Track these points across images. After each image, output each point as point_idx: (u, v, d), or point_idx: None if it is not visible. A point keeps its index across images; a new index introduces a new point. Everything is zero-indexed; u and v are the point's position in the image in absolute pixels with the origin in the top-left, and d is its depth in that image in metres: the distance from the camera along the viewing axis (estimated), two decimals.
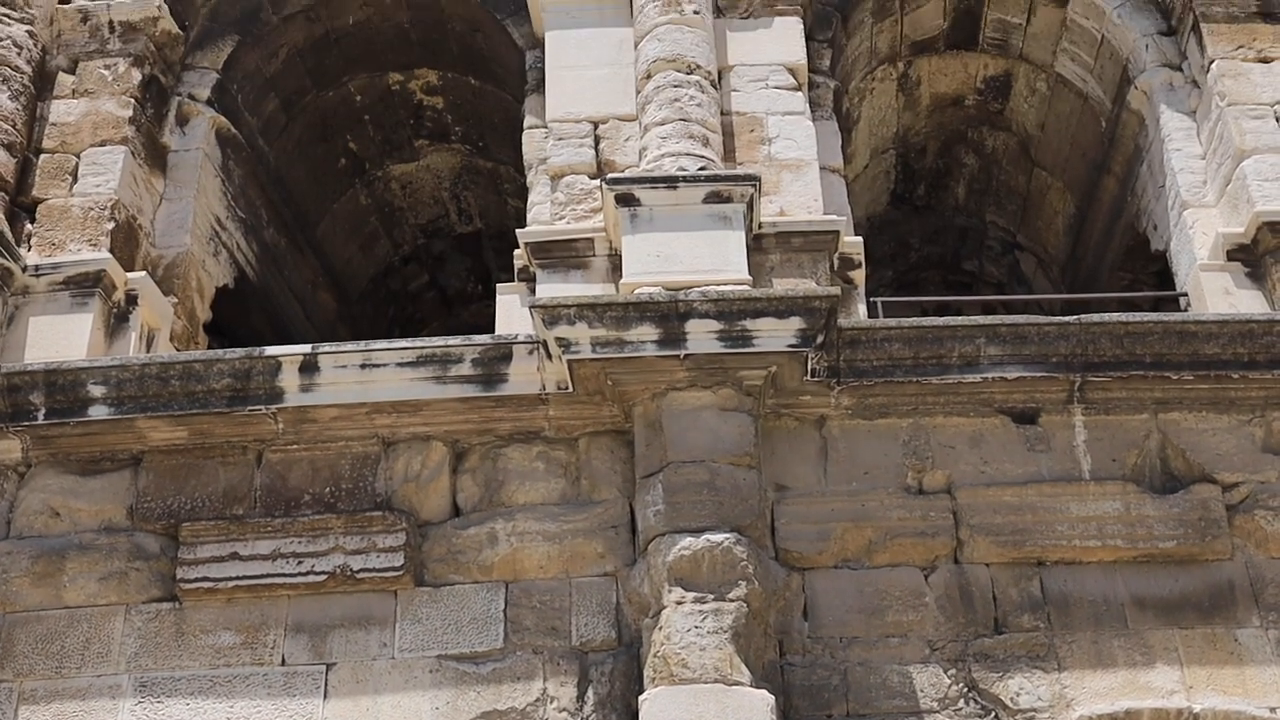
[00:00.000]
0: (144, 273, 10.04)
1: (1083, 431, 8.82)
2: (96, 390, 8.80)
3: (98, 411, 8.81)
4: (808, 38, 10.73)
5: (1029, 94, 12.42)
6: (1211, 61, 10.41)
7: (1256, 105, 10.16)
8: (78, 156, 10.28)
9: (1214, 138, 10.29)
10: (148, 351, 9.78)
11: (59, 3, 10.92)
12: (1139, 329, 8.74)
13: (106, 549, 8.69)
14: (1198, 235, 10.09)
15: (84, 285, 9.57)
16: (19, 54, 10.44)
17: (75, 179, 10.19)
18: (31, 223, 10.03)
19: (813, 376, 8.73)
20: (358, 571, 8.52)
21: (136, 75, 10.61)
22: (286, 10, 11.66)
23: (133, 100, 10.51)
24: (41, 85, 10.59)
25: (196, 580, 8.54)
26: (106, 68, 10.64)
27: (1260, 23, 10.56)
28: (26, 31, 10.55)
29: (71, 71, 10.69)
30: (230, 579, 8.53)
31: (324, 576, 8.51)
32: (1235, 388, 8.77)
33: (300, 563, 8.54)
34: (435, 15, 11.87)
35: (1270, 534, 8.55)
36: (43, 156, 10.32)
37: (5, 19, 10.53)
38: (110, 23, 10.79)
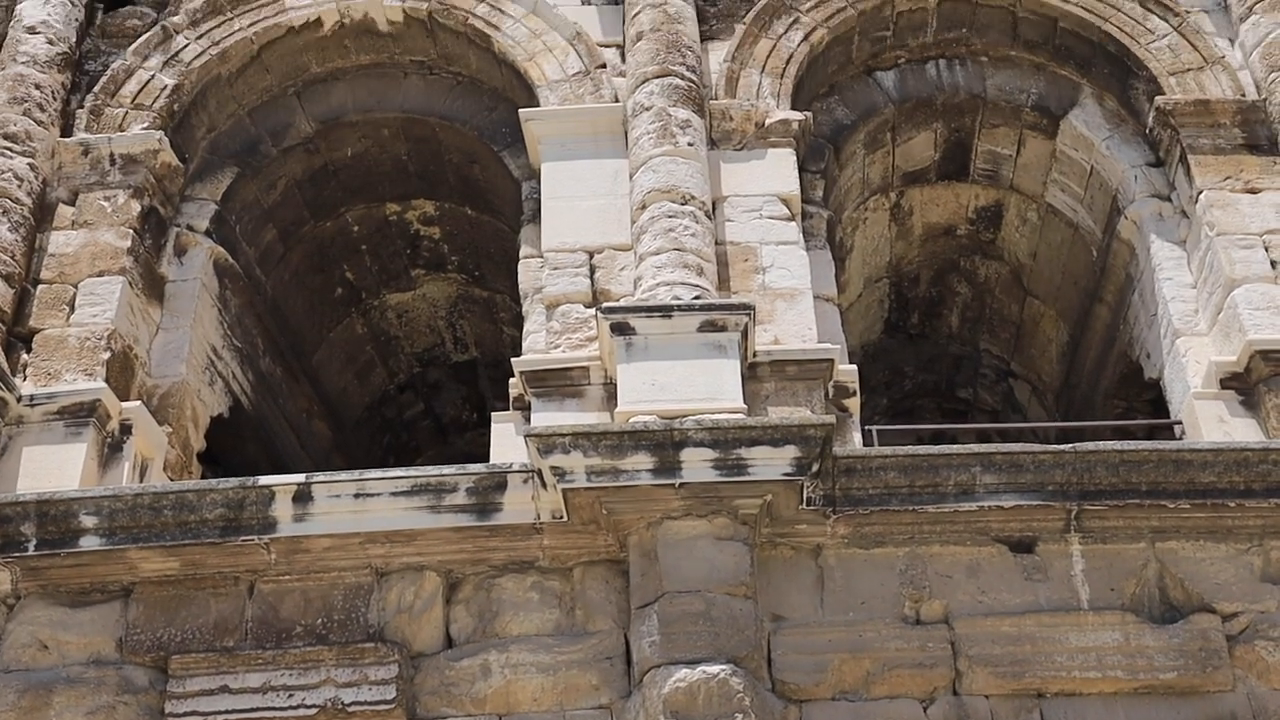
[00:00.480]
0: (139, 402, 10.04)
1: (1080, 560, 8.77)
2: (88, 520, 8.75)
3: (89, 542, 8.75)
4: (801, 169, 10.86)
5: (1020, 224, 12.54)
6: (1200, 192, 10.54)
7: (1245, 235, 10.27)
8: (75, 287, 10.34)
9: (1204, 267, 10.37)
10: (141, 481, 9.74)
11: (61, 136, 11.06)
12: (1135, 457, 8.73)
13: (95, 682, 8.57)
14: (1191, 363, 10.14)
15: (78, 415, 9.57)
16: (20, 186, 10.54)
17: (72, 309, 10.23)
18: (28, 352, 10.05)
19: (808, 505, 8.70)
20: (349, 705, 8.40)
21: (136, 206, 10.70)
22: (286, 143, 11.83)
23: (131, 231, 10.59)
24: (41, 217, 10.68)
25: (186, 714, 8.42)
26: (106, 199, 10.74)
27: (1247, 154, 10.70)
28: (28, 164, 10.67)
29: (71, 203, 10.79)
30: (220, 713, 8.40)
31: (315, 710, 8.39)
32: (1232, 516, 8.74)
33: (291, 695, 8.43)
34: (433, 147, 12.03)
35: (1271, 665, 8.46)
36: (41, 287, 10.37)
37: (7, 152, 10.64)
38: (111, 155, 10.91)
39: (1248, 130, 10.81)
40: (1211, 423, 9.67)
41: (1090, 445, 8.80)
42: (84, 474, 9.38)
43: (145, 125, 11.10)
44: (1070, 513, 8.74)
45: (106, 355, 9.95)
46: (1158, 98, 11.01)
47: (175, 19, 11.75)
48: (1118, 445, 8.84)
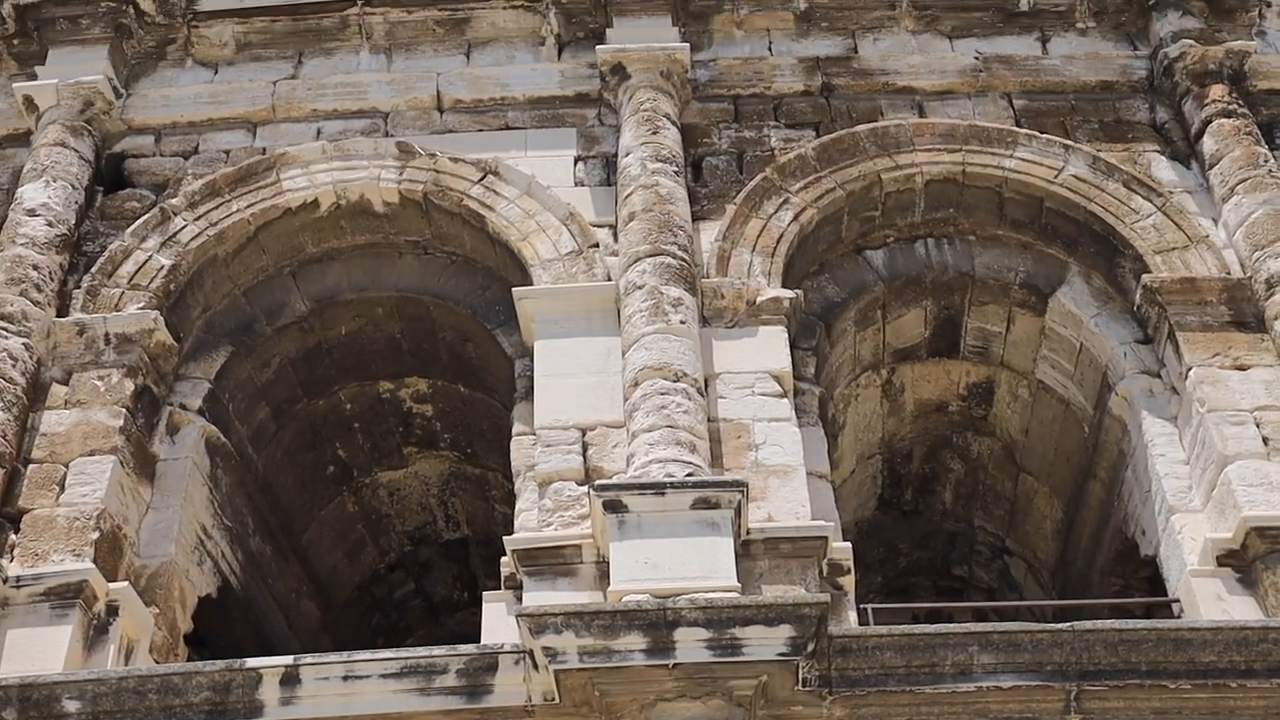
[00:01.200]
0: (126, 583, 9.93)
1: None
2: (71, 705, 8.60)
3: None
4: (792, 346, 10.93)
5: (1012, 400, 12.59)
6: (1189, 369, 10.60)
7: (1236, 411, 10.30)
8: (66, 466, 10.29)
9: (1196, 443, 10.39)
10: (127, 663, 9.59)
11: (57, 316, 11.12)
12: (1134, 636, 8.64)
13: None
14: (1186, 540, 10.09)
15: (65, 596, 9.44)
16: (14, 366, 10.57)
17: (62, 489, 10.16)
18: (16, 533, 9.96)
19: (804, 686, 8.58)
20: None
21: (129, 386, 10.72)
22: (281, 322, 11.92)
23: (124, 410, 10.59)
24: (35, 396, 10.68)
25: None
26: (100, 378, 10.76)
27: (1234, 331, 10.80)
28: (23, 344, 10.71)
29: (65, 382, 10.79)
30: None
31: None
32: (1234, 697, 8.61)
33: None
34: (427, 326, 12.11)
35: None
36: (31, 467, 10.33)
37: (3, 332, 10.69)
38: (106, 335, 10.96)
39: (1234, 308, 10.91)
40: (1210, 601, 9.59)
41: (1089, 624, 8.71)
42: (69, 657, 9.23)
43: (141, 305, 11.18)
44: (1070, 693, 8.61)
45: (95, 535, 9.87)
46: (1144, 276, 11.14)
47: (174, 201, 11.92)
48: (1116, 624, 8.75)
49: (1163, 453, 10.65)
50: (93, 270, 11.48)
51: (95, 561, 9.72)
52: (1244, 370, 10.58)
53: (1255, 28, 13.03)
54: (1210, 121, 12.07)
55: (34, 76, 12.74)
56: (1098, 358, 11.49)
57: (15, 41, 13.05)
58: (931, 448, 13.32)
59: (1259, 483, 9.88)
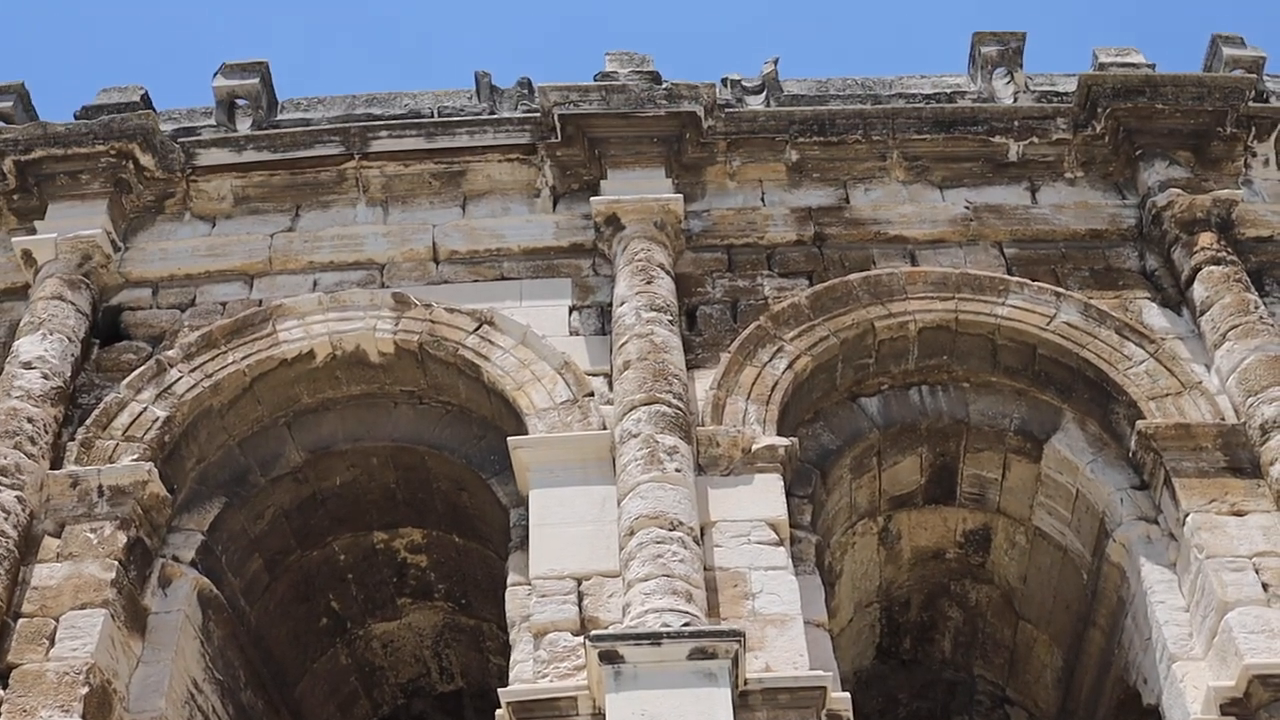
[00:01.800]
0: None
1: None
2: None
3: None
4: (788, 493, 10.91)
5: (1009, 547, 12.53)
6: (1187, 515, 10.58)
7: (1235, 558, 10.26)
8: (56, 620, 10.18)
9: (1196, 590, 10.32)
10: None
11: (51, 468, 11.09)
12: None
13: None
14: (1189, 689, 9.99)
15: None
16: (6, 519, 10.51)
17: (52, 643, 10.04)
18: (4, 688, 9.81)
19: None
20: None
21: (122, 538, 10.66)
22: (275, 472, 11.91)
23: (116, 563, 10.51)
24: (26, 549, 10.61)
25: None
26: (92, 531, 10.69)
27: (1230, 477, 10.80)
28: (16, 497, 10.67)
29: (57, 535, 10.73)
30: None
31: None
32: None
33: None
34: (422, 475, 12.09)
35: None
36: (21, 620, 10.21)
37: None
38: (100, 487, 10.92)
39: (1229, 453, 10.92)
40: None
41: None
42: None
43: (135, 457, 11.16)
44: None
45: (84, 690, 9.73)
46: (1139, 422, 11.16)
47: (170, 353, 11.97)
48: None
49: (1162, 600, 10.58)
50: (87, 422, 11.48)
51: (84, 718, 9.56)
52: (1241, 516, 10.56)
53: (1241, 177, 13.25)
54: (1200, 269, 12.18)
55: (33, 231, 12.85)
56: (1094, 504, 11.46)
57: (15, 196, 13.19)
58: (929, 595, 13.23)
59: (1260, 630, 9.81)
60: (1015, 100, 14.03)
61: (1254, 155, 13.40)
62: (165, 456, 11.37)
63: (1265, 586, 10.10)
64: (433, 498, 12.22)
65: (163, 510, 11.14)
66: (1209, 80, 13.48)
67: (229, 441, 11.91)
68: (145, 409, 11.55)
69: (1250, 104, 13.37)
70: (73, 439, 11.39)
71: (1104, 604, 11.52)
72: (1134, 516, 11.06)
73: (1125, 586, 11.14)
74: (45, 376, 11.56)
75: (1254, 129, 13.37)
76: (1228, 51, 14.22)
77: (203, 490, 11.65)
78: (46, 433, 11.26)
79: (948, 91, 14.40)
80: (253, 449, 11.95)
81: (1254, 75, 13.84)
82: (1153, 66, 14.11)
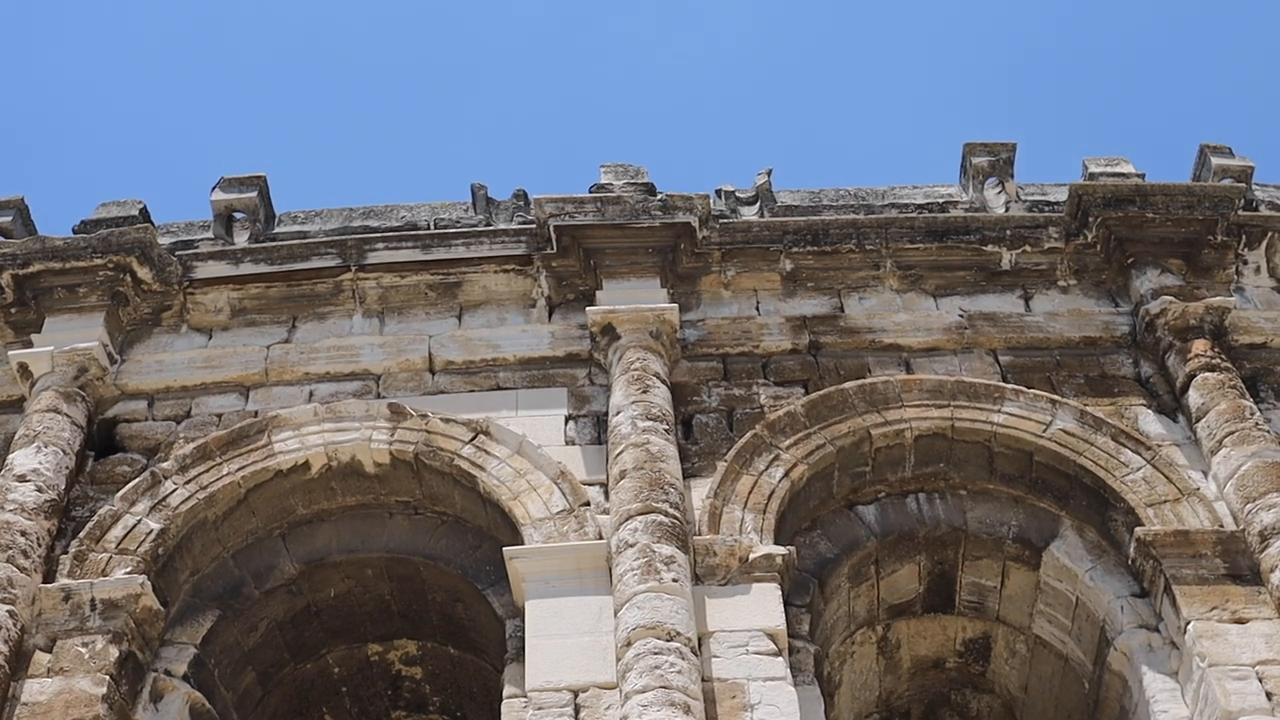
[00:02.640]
0: None
1: None
2: None
3: None
4: (786, 603, 10.83)
5: (1009, 655, 12.43)
6: (1188, 623, 10.51)
7: (1238, 666, 10.18)
8: None
9: (1199, 699, 10.23)
10: None
11: (43, 581, 11.00)
12: None
13: None
14: None
15: None
16: None
17: None
18: None
19: None
20: None
21: (114, 652, 10.55)
22: (269, 584, 11.82)
23: (108, 678, 10.39)
24: (16, 664, 10.49)
25: None
26: (84, 645, 10.59)
27: (1230, 584, 10.75)
28: (7, 612, 10.56)
29: (49, 650, 10.61)
30: None
31: None
32: None
33: None
34: (416, 586, 12.01)
35: None
36: None
37: None
38: (92, 600, 10.82)
39: (1229, 560, 10.88)
40: None
41: None
42: None
43: (128, 570, 11.08)
44: None
45: None
46: (1138, 529, 11.13)
47: (165, 465, 11.94)
48: None
49: (1165, 709, 10.49)
50: (81, 535, 11.41)
51: None
52: (1243, 624, 10.49)
53: (1233, 284, 13.36)
54: (1194, 376, 12.22)
55: (30, 344, 12.87)
56: (1094, 612, 11.39)
57: (13, 310, 13.23)
58: (930, 705, 13.08)
59: None
60: (1007, 209, 14.18)
61: (1245, 263, 13.51)
62: (159, 569, 11.29)
63: (1269, 695, 10.02)
64: (428, 609, 12.13)
65: (155, 623, 11.05)
66: (1198, 189, 13.63)
67: (223, 553, 11.85)
68: (139, 521, 11.49)
69: (1240, 212, 13.51)
70: (66, 552, 11.32)
71: (1106, 713, 11.41)
72: (1135, 624, 10.99)
73: (1128, 695, 11.03)
74: (39, 490, 11.52)
75: (1244, 237, 13.50)
76: (1216, 161, 14.39)
77: (196, 603, 11.56)
78: (39, 546, 11.19)
79: (940, 201, 14.55)
80: (247, 561, 11.88)
81: (1242, 184, 13.99)
82: (1142, 176, 14.28)
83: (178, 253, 13.54)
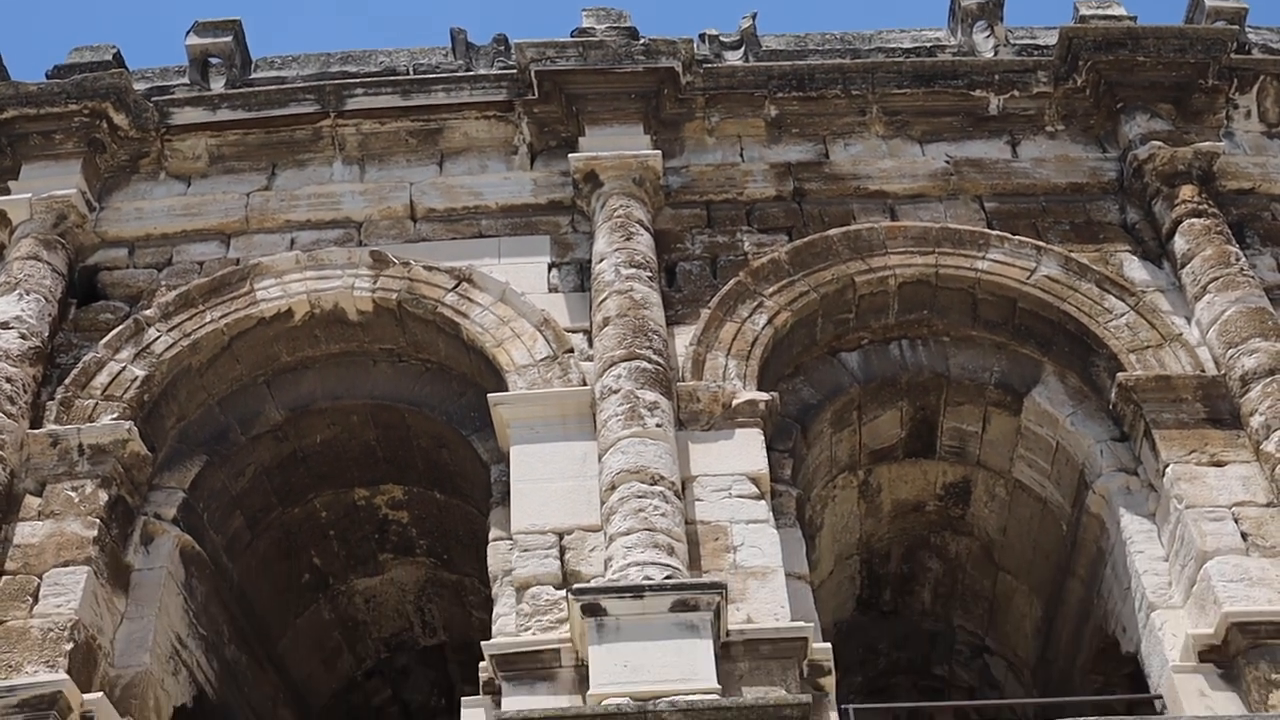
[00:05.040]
0: (101, 694, 9.75)
1: None
2: None
3: None
4: (769, 448, 10.91)
5: (989, 499, 12.58)
6: (1166, 466, 10.62)
7: (1214, 508, 10.30)
8: (40, 577, 10.17)
9: (1175, 540, 10.38)
10: None
11: (30, 428, 11.04)
12: None
13: None
14: (1167, 637, 10.05)
15: (39, 708, 9.24)
16: None
17: (36, 600, 10.03)
18: None
19: None
20: None
21: (103, 496, 10.63)
22: (255, 430, 11.88)
23: (98, 521, 10.49)
24: (8, 508, 10.59)
25: None
26: (74, 489, 10.67)
27: (1210, 428, 10.83)
28: None
29: (38, 494, 10.70)
30: None
31: None
32: None
33: None
34: (402, 433, 12.08)
35: None
36: (4, 579, 10.20)
37: None
38: (80, 446, 10.88)
39: (1209, 405, 10.96)
40: (1192, 697, 9.54)
41: None
42: None
43: (115, 416, 11.13)
44: None
45: (69, 646, 9.73)
46: (1119, 374, 11.19)
47: (148, 312, 11.91)
48: None
49: (1141, 549, 10.63)
50: (66, 382, 11.44)
51: (69, 672, 9.57)
52: (1221, 466, 10.60)
53: (1223, 129, 13.25)
54: (1181, 221, 12.19)
55: (7, 191, 12.77)
56: (1074, 456, 11.50)
57: None
58: (909, 548, 13.28)
59: (1239, 578, 9.87)
60: (995, 54, 14.02)
61: (1236, 107, 13.39)
62: (145, 415, 11.34)
63: (1244, 536, 10.16)
64: (413, 455, 12.21)
65: (143, 468, 11.12)
66: (1191, 32, 13.47)
67: (208, 400, 11.89)
68: (124, 368, 11.51)
69: (1232, 56, 13.35)
70: (52, 398, 11.35)
71: (1083, 554, 11.59)
72: (1114, 468, 11.10)
73: (1105, 537, 11.19)
74: (23, 336, 11.52)
75: (1236, 81, 13.37)
76: (1209, 3, 14.18)
77: (183, 449, 11.62)
78: (25, 392, 11.22)
79: (927, 45, 14.38)
80: (232, 407, 11.92)
81: (1236, 27, 13.81)
82: (1134, 18, 14.08)
83: (153, 99, 13.38)
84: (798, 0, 31.50)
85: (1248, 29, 14.19)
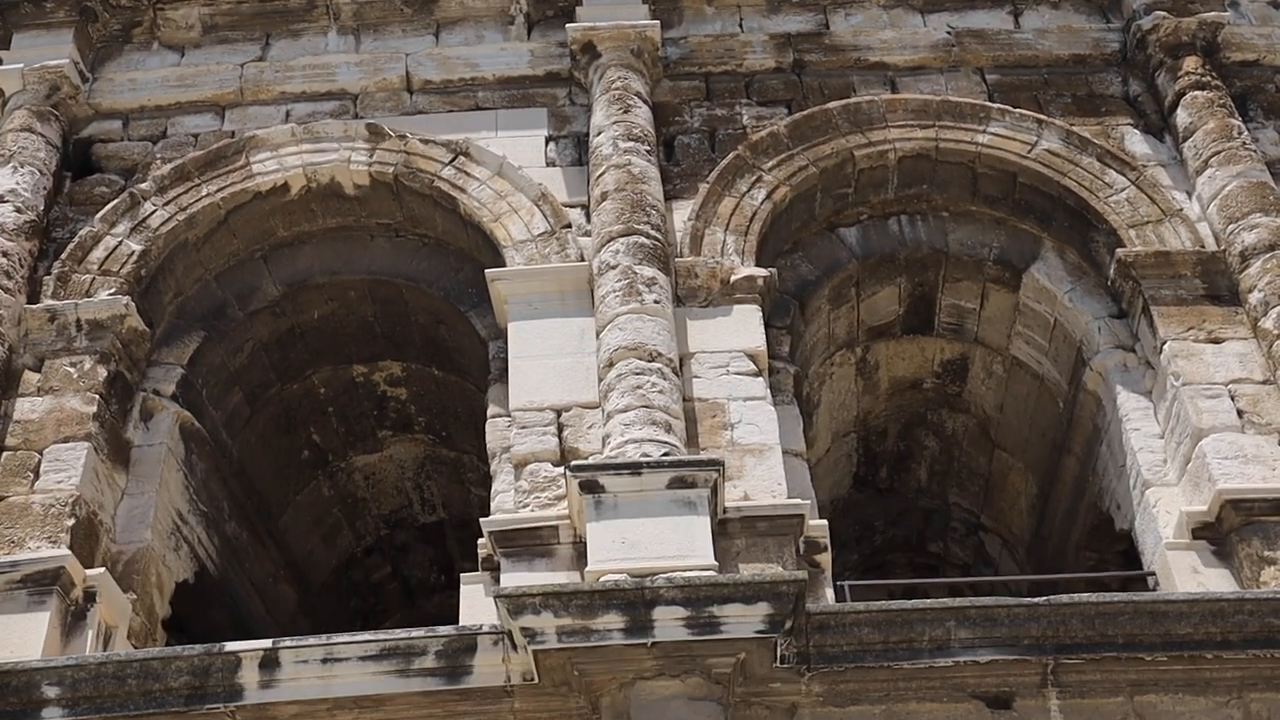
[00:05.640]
0: (103, 569, 9.84)
1: (1059, 716, 8.64)
2: (51, 691, 8.55)
3: (52, 714, 8.54)
4: (767, 324, 10.89)
5: (986, 377, 12.60)
6: (1164, 343, 10.61)
7: (1211, 385, 10.32)
8: (40, 453, 10.21)
9: (1171, 417, 10.42)
10: (105, 649, 9.53)
11: (28, 303, 11.01)
12: (1109, 609, 8.67)
13: None
14: (1161, 514, 10.13)
15: (42, 583, 9.35)
16: None
17: (37, 476, 10.08)
18: None
19: (782, 663, 8.59)
20: None
21: (102, 372, 10.64)
22: (253, 306, 11.84)
23: (97, 396, 10.51)
24: (6, 383, 10.59)
25: None
26: (72, 365, 10.68)
27: (1209, 305, 10.81)
28: None
29: (37, 369, 10.71)
30: None
31: None
32: (1210, 668, 8.65)
33: None
34: (399, 309, 12.06)
35: None
36: (4, 454, 10.23)
37: None
38: (78, 320, 10.87)
39: (1208, 281, 10.93)
40: (1185, 573, 9.63)
41: (1065, 598, 8.75)
42: (47, 643, 9.15)
43: (112, 291, 11.09)
44: (1047, 667, 8.65)
45: (71, 522, 9.80)
46: (1118, 250, 11.15)
47: (143, 186, 11.82)
48: (1092, 597, 8.79)
49: (1137, 427, 10.67)
50: (63, 256, 11.38)
51: (72, 548, 9.64)
52: (1218, 344, 10.60)
53: None
54: (1184, 94, 12.06)
55: None
56: (1072, 333, 11.50)
57: None
58: (906, 425, 13.33)
59: (1234, 455, 9.91)
60: None
61: None
62: (142, 290, 11.29)
63: (1240, 413, 10.18)
64: (411, 331, 12.20)
65: (141, 344, 11.11)
66: None
67: (205, 275, 11.83)
68: (120, 243, 11.45)
69: None
70: (48, 273, 11.30)
71: (1079, 432, 11.64)
72: (1111, 345, 11.10)
73: (1101, 414, 11.23)
74: (18, 210, 11.44)
75: None
76: None
77: (181, 324, 11.60)
78: (22, 267, 11.17)
79: None
80: (229, 282, 11.87)
81: None
82: None
83: None
84: None
85: None
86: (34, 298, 11.13)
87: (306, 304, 12.02)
